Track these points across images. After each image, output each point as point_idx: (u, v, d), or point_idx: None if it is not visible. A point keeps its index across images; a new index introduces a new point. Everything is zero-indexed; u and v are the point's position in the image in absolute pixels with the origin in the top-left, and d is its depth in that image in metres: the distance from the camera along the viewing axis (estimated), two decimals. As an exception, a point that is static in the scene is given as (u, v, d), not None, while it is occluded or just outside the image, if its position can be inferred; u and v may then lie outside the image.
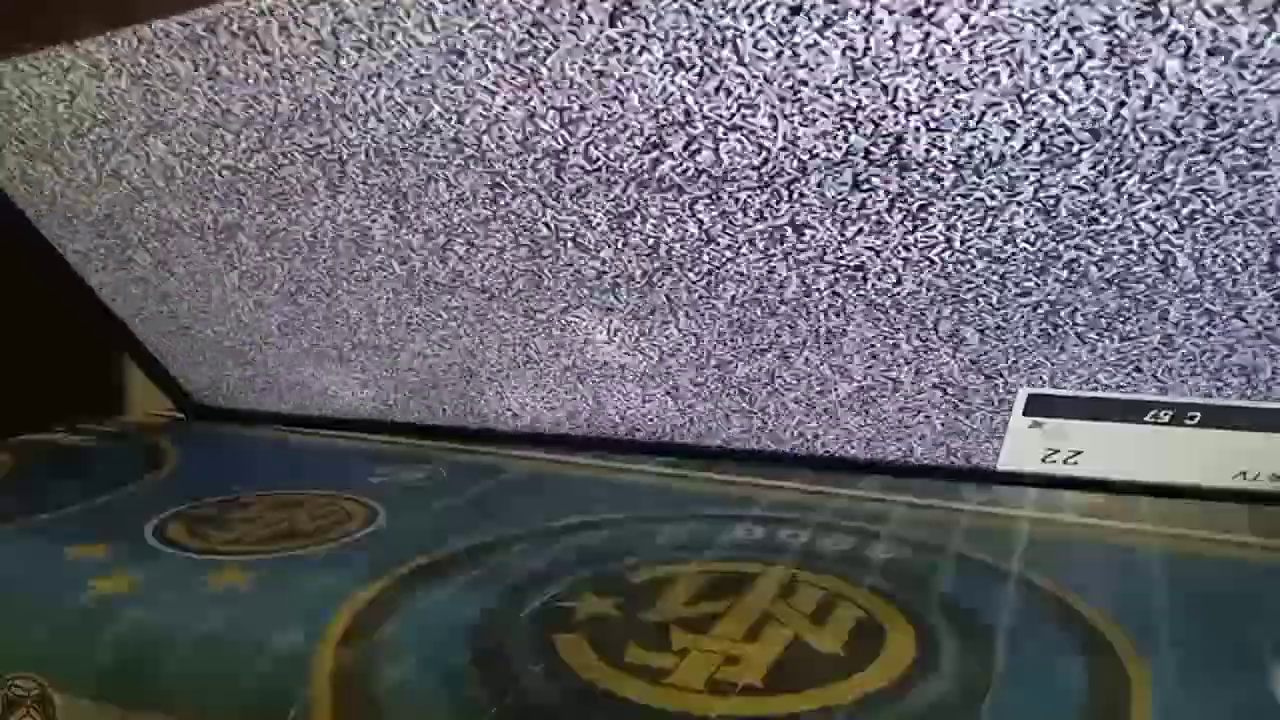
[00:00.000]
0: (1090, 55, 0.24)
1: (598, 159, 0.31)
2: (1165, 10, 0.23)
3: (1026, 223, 0.29)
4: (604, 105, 0.29)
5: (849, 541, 0.31)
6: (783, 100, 0.27)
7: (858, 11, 0.25)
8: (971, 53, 0.25)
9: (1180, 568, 0.29)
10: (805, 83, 0.27)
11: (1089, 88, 0.25)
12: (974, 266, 0.30)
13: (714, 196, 0.31)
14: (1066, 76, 0.25)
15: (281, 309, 0.42)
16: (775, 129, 0.28)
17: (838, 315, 0.33)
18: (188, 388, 0.50)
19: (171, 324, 0.45)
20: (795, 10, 0.25)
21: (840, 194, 0.29)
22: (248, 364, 0.46)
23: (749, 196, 0.30)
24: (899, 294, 0.32)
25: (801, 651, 0.23)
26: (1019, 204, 0.28)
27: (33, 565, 0.29)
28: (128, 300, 0.45)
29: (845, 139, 0.28)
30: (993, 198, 0.28)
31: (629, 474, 0.39)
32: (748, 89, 0.27)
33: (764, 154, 0.29)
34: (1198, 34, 0.23)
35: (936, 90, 0.26)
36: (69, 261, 0.44)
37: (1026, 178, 0.27)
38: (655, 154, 0.30)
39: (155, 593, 0.27)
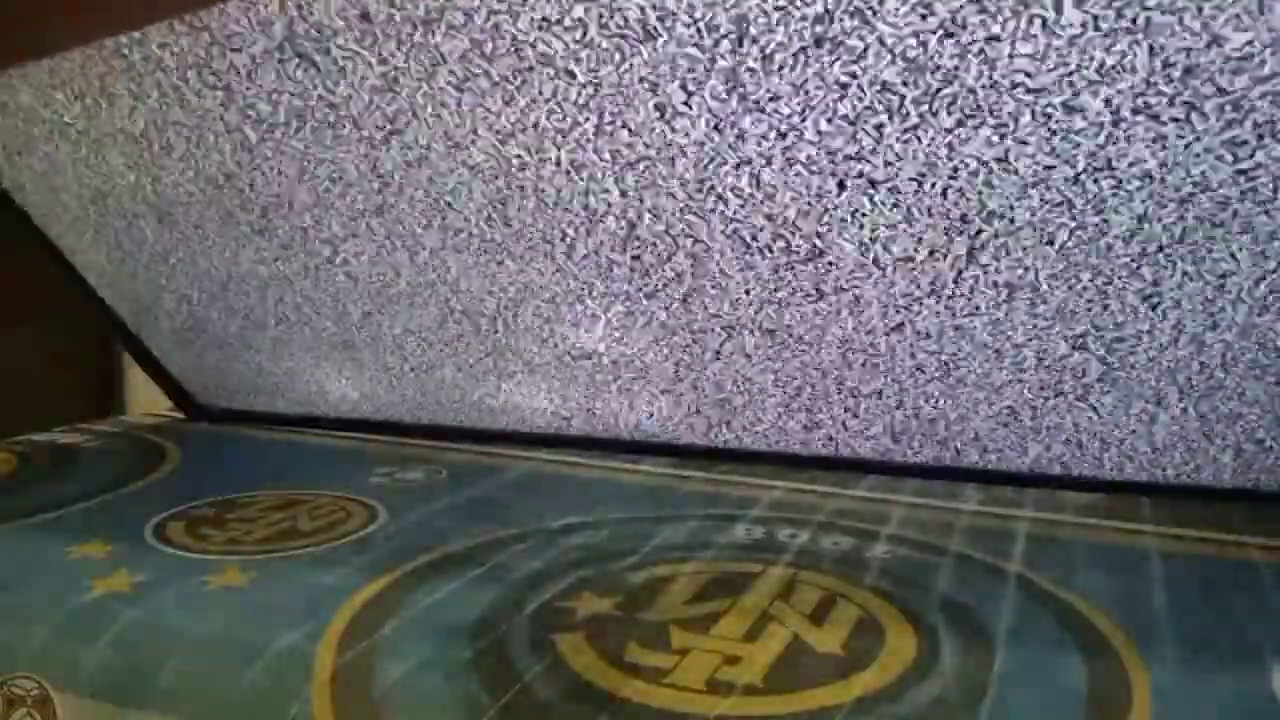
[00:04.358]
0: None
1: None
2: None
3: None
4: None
5: (849, 541, 0.31)
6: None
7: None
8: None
9: (1180, 568, 0.29)
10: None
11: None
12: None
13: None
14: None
15: (282, 310, 0.42)
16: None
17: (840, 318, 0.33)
18: (188, 388, 0.50)
19: (172, 323, 0.45)
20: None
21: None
22: (248, 363, 0.46)
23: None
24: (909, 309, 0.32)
25: (801, 651, 0.23)
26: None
27: (33, 565, 0.29)
28: (129, 300, 0.45)
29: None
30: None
31: (629, 474, 0.39)
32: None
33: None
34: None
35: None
36: (72, 263, 0.44)
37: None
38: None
39: (155, 593, 0.27)
